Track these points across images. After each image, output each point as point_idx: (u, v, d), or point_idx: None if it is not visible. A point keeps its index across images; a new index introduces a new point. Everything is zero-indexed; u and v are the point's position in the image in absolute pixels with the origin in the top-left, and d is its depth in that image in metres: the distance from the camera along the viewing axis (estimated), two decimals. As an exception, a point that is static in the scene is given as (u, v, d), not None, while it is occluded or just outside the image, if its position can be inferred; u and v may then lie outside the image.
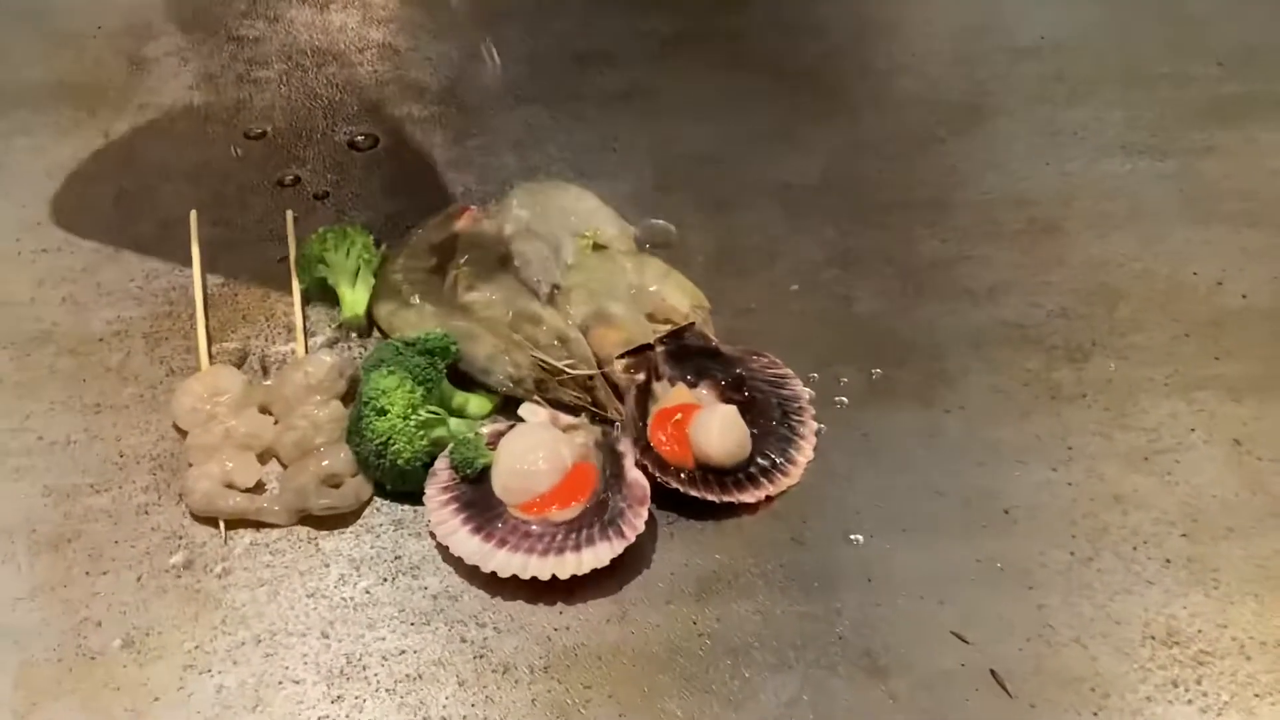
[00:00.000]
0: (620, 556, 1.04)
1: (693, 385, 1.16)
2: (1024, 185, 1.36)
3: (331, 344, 1.22)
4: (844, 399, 1.17)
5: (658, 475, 1.08)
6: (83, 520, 1.10)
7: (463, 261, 1.25)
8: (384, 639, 1.02)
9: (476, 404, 1.16)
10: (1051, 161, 1.39)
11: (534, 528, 1.06)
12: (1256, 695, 0.98)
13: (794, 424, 1.14)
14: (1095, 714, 0.97)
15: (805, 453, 1.13)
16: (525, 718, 0.98)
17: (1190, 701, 0.98)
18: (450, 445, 1.10)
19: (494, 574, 1.04)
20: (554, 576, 1.03)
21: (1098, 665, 1.00)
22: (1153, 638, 1.01)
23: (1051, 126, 1.42)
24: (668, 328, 1.18)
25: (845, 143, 1.41)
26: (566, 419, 1.12)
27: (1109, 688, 0.98)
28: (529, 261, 1.24)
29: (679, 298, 1.22)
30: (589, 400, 1.14)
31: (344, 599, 1.05)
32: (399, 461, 1.08)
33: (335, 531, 1.09)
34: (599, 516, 1.06)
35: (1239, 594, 1.04)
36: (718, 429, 1.10)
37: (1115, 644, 1.01)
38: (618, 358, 1.15)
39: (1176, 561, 1.06)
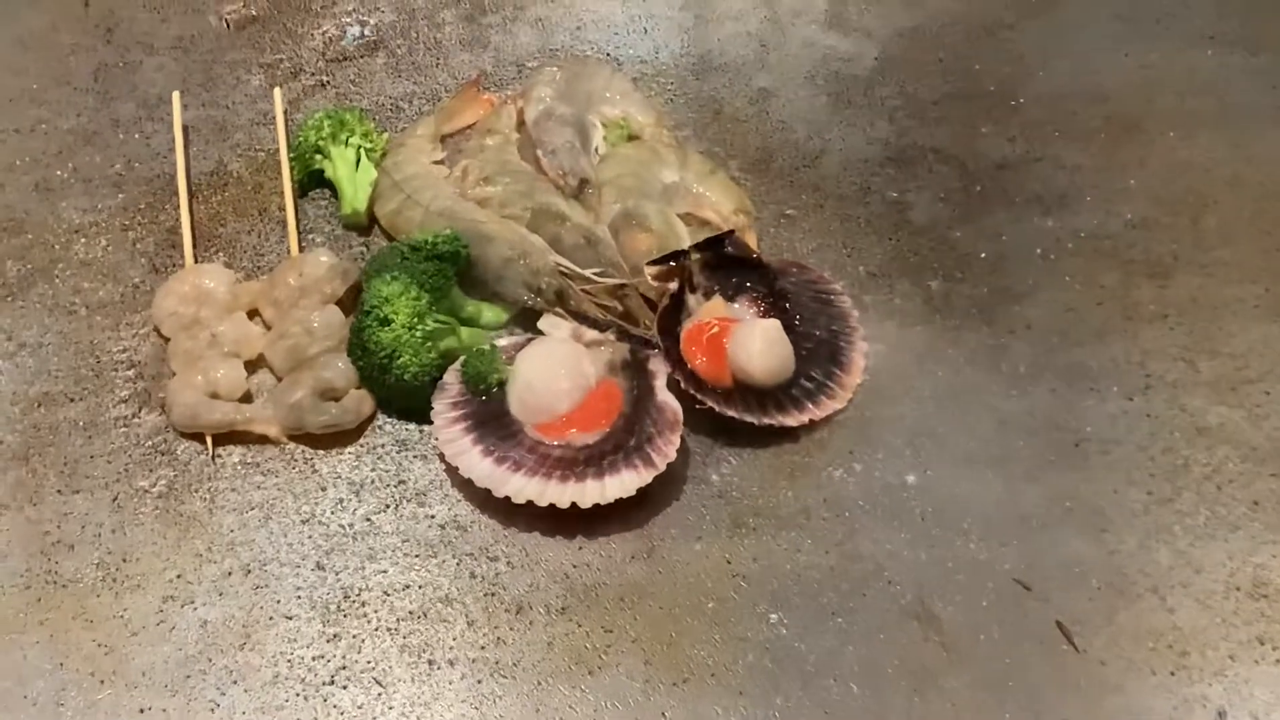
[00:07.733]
0: (648, 486, 1.00)
1: (730, 299, 1.10)
2: (1101, 78, 1.30)
3: (329, 243, 1.17)
4: (898, 317, 1.13)
5: (692, 392, 1.04)
6: (54, 432, 1.07)
7: (476, 152, 1.19)
8: (385, 572, 1.00)
9: (491, 313, 1.11)
10: (1131, 53, 1.32)
11: (553, 451, 1.02)
12: (1352, 656, 0.95)
13: (842, 344, 1.10)
14: (1172, 673, 0.94)
15: (854, 375, 1.08)
16: (540, 663, 0.95)
17: (1279, 661, 0.94)
18: (462, 358, 1.06)
19: (507, 501, 1.00)
20: (574, 505, 0.99)
21: (1175, 618, 0.96)
22: (1237, 589, 0.98)
23: (1132, 12, 1.35)
24: (705, 234, 1.12)
25: (902, 26, 1.35)
26: (591, 333, 1.08)
27: (1187, 644, 0.95)
28: (554, 151, 1.18)
29: (723, 200, 1.16)
30: (618, 312, 1.09)
31: (342, 526, 1.02)
32: (405, 376, 1.04)
33: (334, 451, 1.06)
34: (626, 442, 1.02)
35: (1335, 542, 1.00)
36: (760, 344, 1.05)
37: (1195, 595, 0.98)
38: (647, 265, 1.09)
39: (1265, 504, 1.02)
